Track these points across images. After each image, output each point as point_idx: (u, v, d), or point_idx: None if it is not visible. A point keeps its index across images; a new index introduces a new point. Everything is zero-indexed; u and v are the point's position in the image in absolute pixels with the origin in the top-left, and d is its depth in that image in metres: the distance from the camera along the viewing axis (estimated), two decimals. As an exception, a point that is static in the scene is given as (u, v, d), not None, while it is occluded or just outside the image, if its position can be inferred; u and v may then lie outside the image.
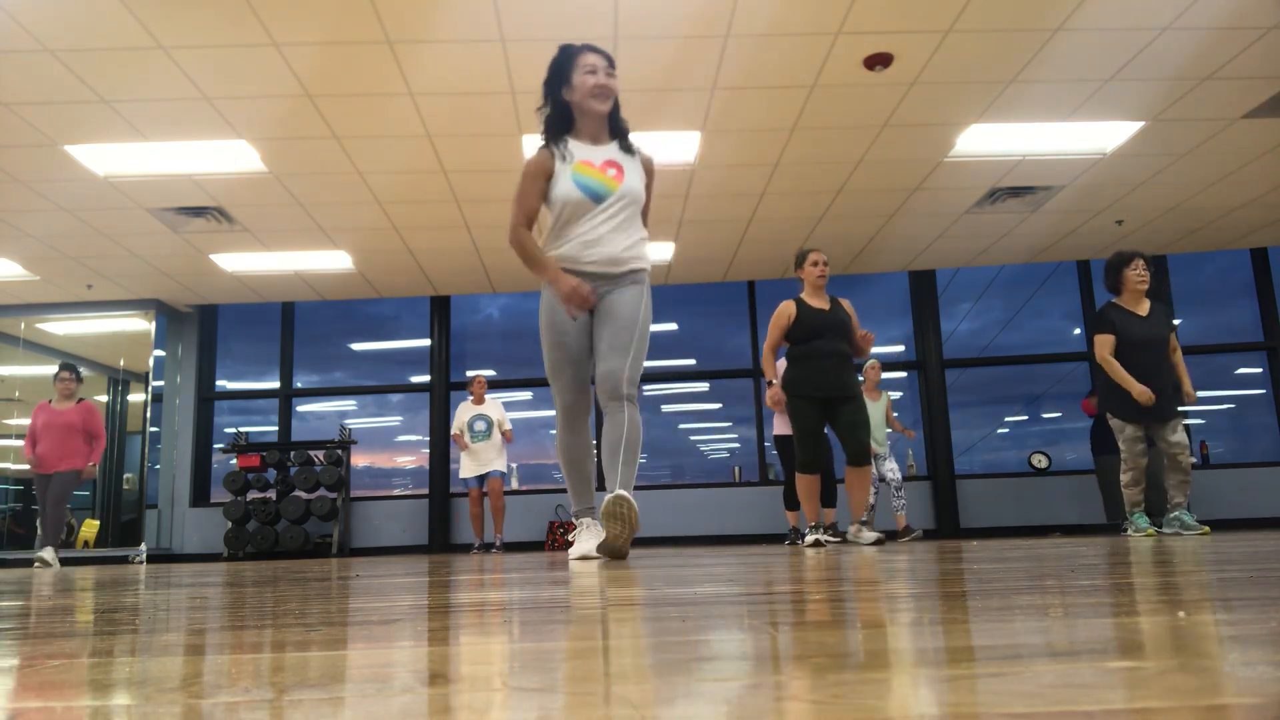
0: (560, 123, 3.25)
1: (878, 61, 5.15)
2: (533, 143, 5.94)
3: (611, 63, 3.22)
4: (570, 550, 3.30)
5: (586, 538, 3.23)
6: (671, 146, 6.09)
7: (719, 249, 8.30)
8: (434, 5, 4.50)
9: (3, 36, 4.57)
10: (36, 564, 6.61)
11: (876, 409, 7.55)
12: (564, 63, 3.21)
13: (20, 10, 4.39)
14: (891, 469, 7.63)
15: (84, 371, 7.49)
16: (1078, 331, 9.52)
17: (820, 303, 4.95)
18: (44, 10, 4.40)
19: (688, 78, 5.26)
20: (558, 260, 3.19)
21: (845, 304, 5.01)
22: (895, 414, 7.76)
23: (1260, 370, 9.19)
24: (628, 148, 3.27)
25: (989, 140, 6.26)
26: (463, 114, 5.58)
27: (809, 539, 4.91)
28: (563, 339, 3.23)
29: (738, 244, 8.18)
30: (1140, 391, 5.11)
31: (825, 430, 4.97)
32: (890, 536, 7.28)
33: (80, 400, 7.19)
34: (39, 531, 6.92)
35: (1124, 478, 5.33)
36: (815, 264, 4.95)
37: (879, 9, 4.66)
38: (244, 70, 4.99)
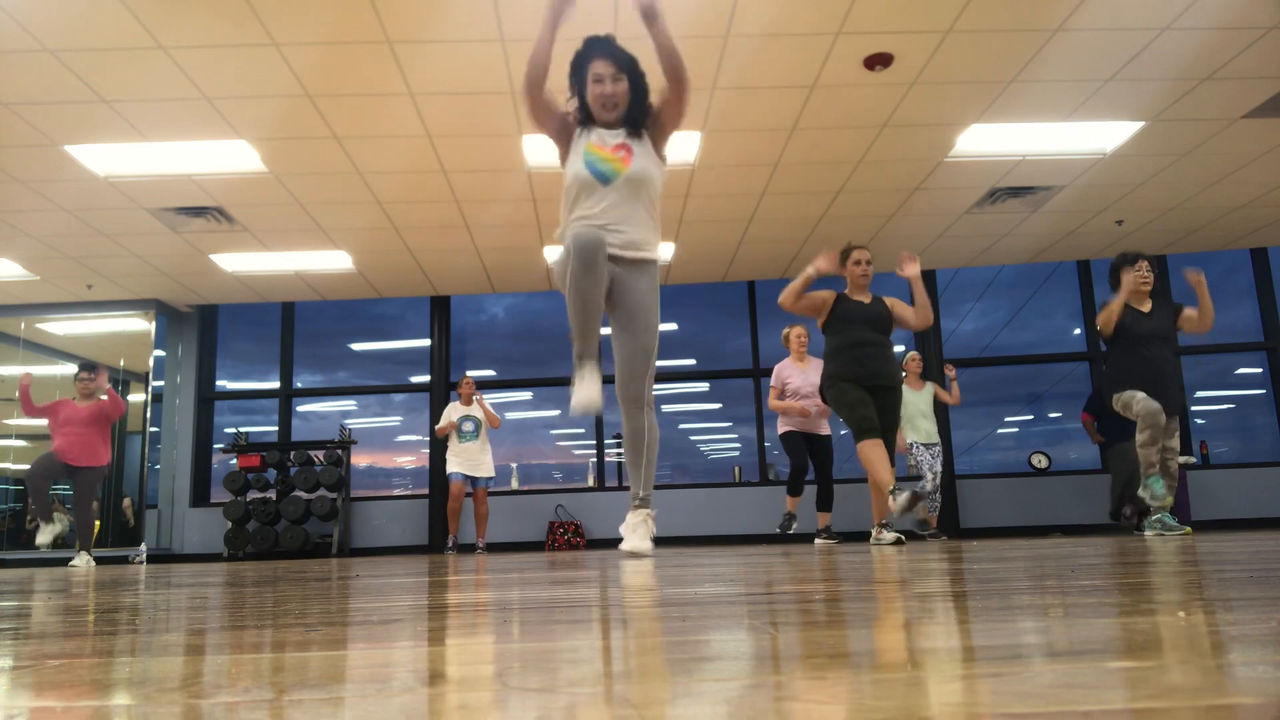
0: (584, 112, 3.37)
1: (878, 61, 5.14)
2: (533, 142, 5.98)
3: (620, 64, 3.30)
4: (573, 396, 3.17)
5: (589, 382, 3.13)
6: (671, 146, 6.06)
7: (719, 249, 8.30)
8: (434, 5, 4.50)
9: (3, 36, 4.57)
10: (71, 564, 6.71)
11: (922, 399, 7.48)
12: (579, 63, 3.33)
13: (20, 10, 4.39)
14: (932, 466, 7.45)
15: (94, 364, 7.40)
16: (1078, 331, 9.52)
17: (861, 298, 4.95)
18: (44, 10, 4.40)
19: (688, 78, 5.25)
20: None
21: (889, 301, 4.99)
22: (955, 379, 7.51)
23: (1260, 370, 9.18)
24: (636, 132, 3.37)
25: (989, 140, 6.26)
26: (463, 114, 5.58)
27: (886, 536, 4.68)
28: (584, 292, 3.09)
29: (738, 244, 8.18)
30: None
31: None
32: (911, 536, 7.25)
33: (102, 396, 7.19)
34: (34, 519, 6.95)
35: (1140, 437, 5.15)
36: (858, 262, 4.92)
37: (879, 9, 4.66)
38: (244, 70, 4.99)
